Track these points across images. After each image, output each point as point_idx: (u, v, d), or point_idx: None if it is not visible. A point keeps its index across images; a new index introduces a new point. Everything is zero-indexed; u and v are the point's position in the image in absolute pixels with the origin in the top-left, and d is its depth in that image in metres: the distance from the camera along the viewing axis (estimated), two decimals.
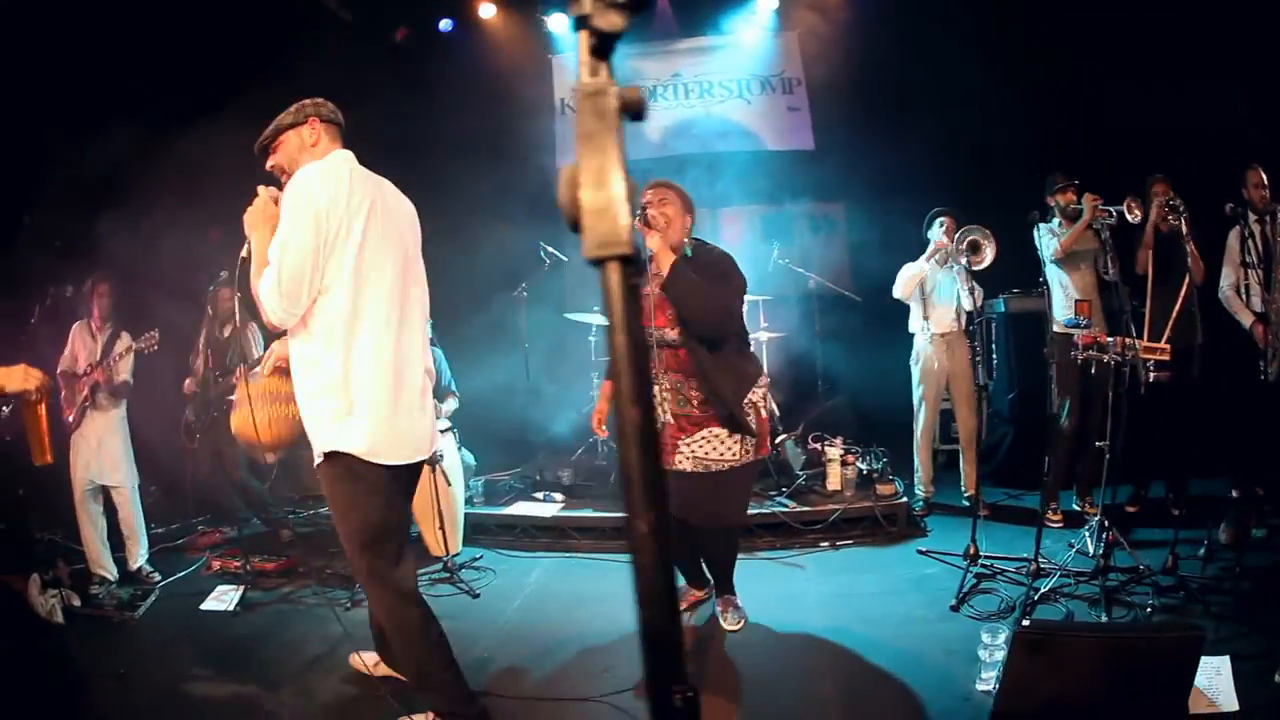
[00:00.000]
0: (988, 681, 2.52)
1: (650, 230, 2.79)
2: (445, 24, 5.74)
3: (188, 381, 4.59)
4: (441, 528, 3.95)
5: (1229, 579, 3.24)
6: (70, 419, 4.09)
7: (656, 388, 2.91)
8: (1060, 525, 4.13)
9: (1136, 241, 3.97)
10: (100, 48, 4.67)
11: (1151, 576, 3.22)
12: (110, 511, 4.21)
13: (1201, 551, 3.44)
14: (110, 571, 4.10)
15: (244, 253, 2.37)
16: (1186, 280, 3.77)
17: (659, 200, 2.88)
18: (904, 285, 4.38)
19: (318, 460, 2.34)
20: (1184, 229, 3.74)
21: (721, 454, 2.92)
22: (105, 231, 4.72)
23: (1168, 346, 3.44)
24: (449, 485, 3.97)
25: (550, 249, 4.79)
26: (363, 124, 5.24)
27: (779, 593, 3.56)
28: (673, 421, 2.95)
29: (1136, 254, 3.97)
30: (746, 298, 3.11)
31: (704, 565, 3.35)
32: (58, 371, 4.13)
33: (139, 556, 4.21)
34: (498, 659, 3.09)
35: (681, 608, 3.27)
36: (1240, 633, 2.76)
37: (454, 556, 4.04)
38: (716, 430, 2.91)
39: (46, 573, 3.76)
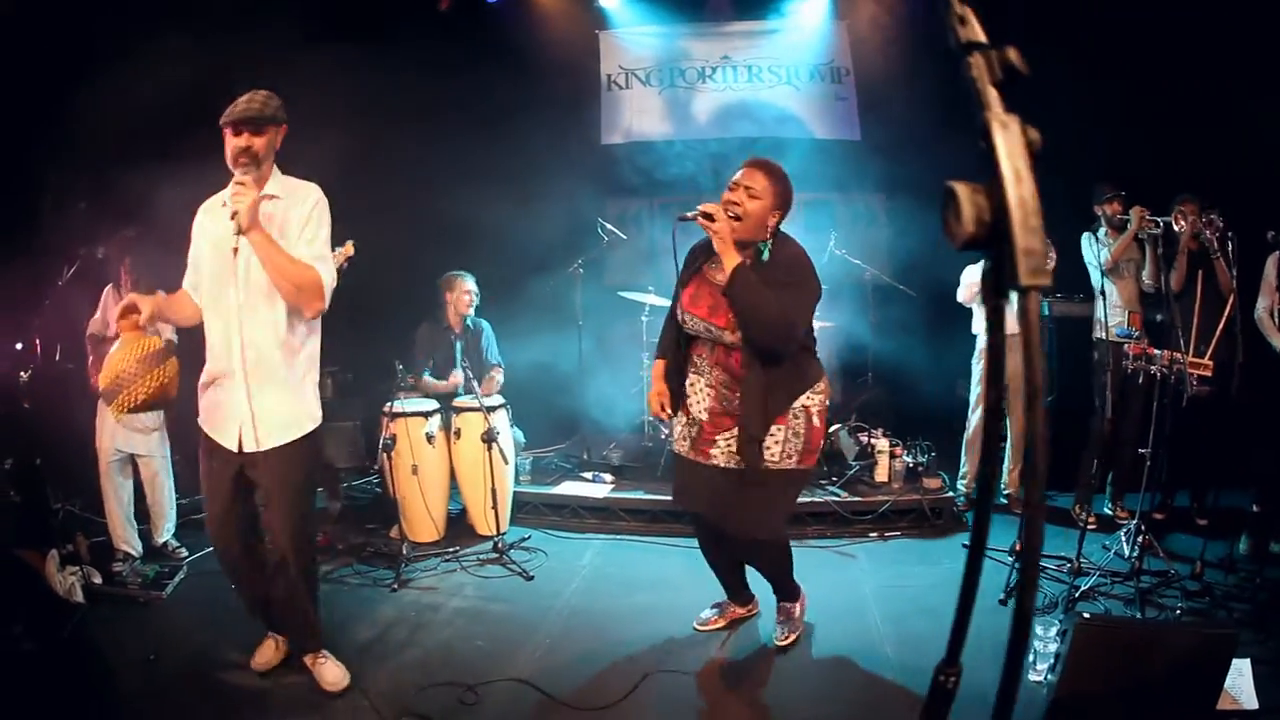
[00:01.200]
0: (1040, 672, 2.65)
1: (712, 227, 2.48)
2: None
3: None
4: (494, 507, 3.89)
5: (1249, 588, 3.37)
6: (98, 386, 3.92)
7: (699, 380, 2.72)
8: (1094, 528, 4.19)
9: (1170, 259, 4.02)
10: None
11: (1180, 581, 3.37)
12: (135, 483, 4.03)
13: (1224, 561, 3.59)
14: (135, 547, 3.92)
15: (235, 245, 2.41)
16: (1231, 298, 3.86)
17: (743, 187, 2.53)
18: (967, 290, 4.43)
19: (294, 437, 2.57)
20: (1215, 246, 3.83)
21: (733, 450, 2.65)
22: (134, 191, 4.56)
23: (1211, 363, 3.65)
24: (505, 463, 3.91)
25: (610, 227, 4.71)
26: (404, 95, 5.19)
27: (836, 581, 3.60)
28: (707, 419, 2.70)
29: (1169, 273, 4.02)
30: None
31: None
32: (87, 334, 3.98)
33: (165, 531, 4.04)
34: (562, 647, 3.03)
35: (719, 625, 3.12)
36: (1259, 639, 2.88)
37: (503, 535, 3.99)
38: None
39: (64, 547, 3.56)
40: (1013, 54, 0.84)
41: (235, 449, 2.52)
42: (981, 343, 4.50)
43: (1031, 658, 2.67)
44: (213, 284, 2.54)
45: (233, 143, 2.42)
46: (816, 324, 4.85)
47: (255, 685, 2.80)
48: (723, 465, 2.69)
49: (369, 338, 4.71)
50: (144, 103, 4.59)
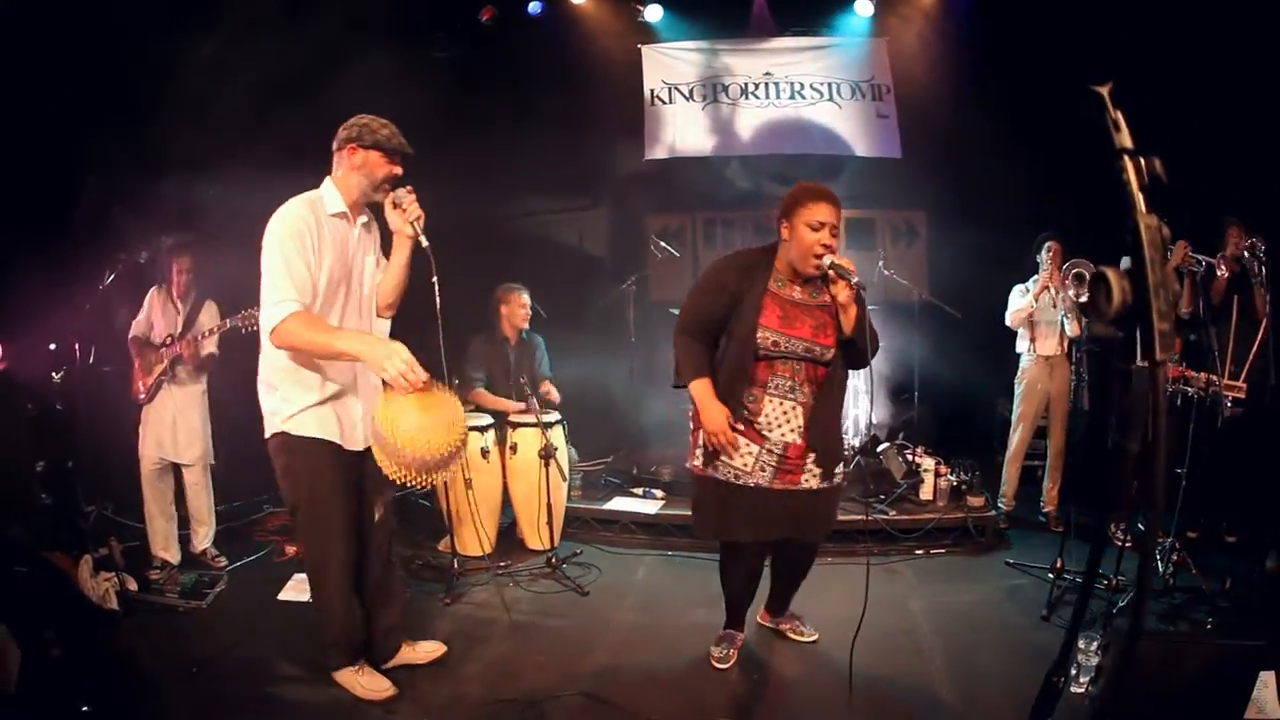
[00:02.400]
0: (1082, 685, 2.73)
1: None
2: (534, 6, 5.63)
3: None
4: (549, 522, 3.91)
5: (1276, 604, 3.44)
6: (142, 391, 3.90)
7: (784, 401, 2.70)
8: (1130, 546, 4.23)
9: (1203, 288, 4.06)
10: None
11: (1210, 597, 3.43)
12: (176, 490, 4.01)
13: (1253, 577, 3.65)
14: (174, 555, 3.91)
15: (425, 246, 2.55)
16: (1265, 321, 3.92)
17: (830, 227, 2.62)
18: (1014, 315, 4.49)
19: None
20: (1257, 270, 3.88)
21: (820, 471, 2.76)
22: (183, 196, 4.57)
23: (1245, 384, 3.74)
24: (563, 480, 3.93)
25: (664, 244, 4.74)
26: (448, 110, 5.19)
27: (886, 598, 3.61)
28: (798, 440, 2.70)
29: (1208, 295, 4.07)
30: None
31: (773, 589, 3.23)
32: (129, 337, 3.97)
33: (205, 538, 4.02)
34: (624, 662, 3.05)
35: (732, 657, 3.03)
36: None
37: (555, 551, 4.01)
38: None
39: (96, 551, 3.52)
40: (1158, 164, 1.02)
41: (360, 448, 2.63)
42: (1025, 362, 4.55)
43: (1074, 671, 2.74)
44: (333, 294, 2.57)
45: (388, 169, 2.57)
46: None
47: (306, 699, 2.76)
48: (815, 486, 2.74)
49: (416, 348, 4.72)
50: (188, 108, 4.62)
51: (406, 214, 2.53)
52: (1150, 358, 1.00)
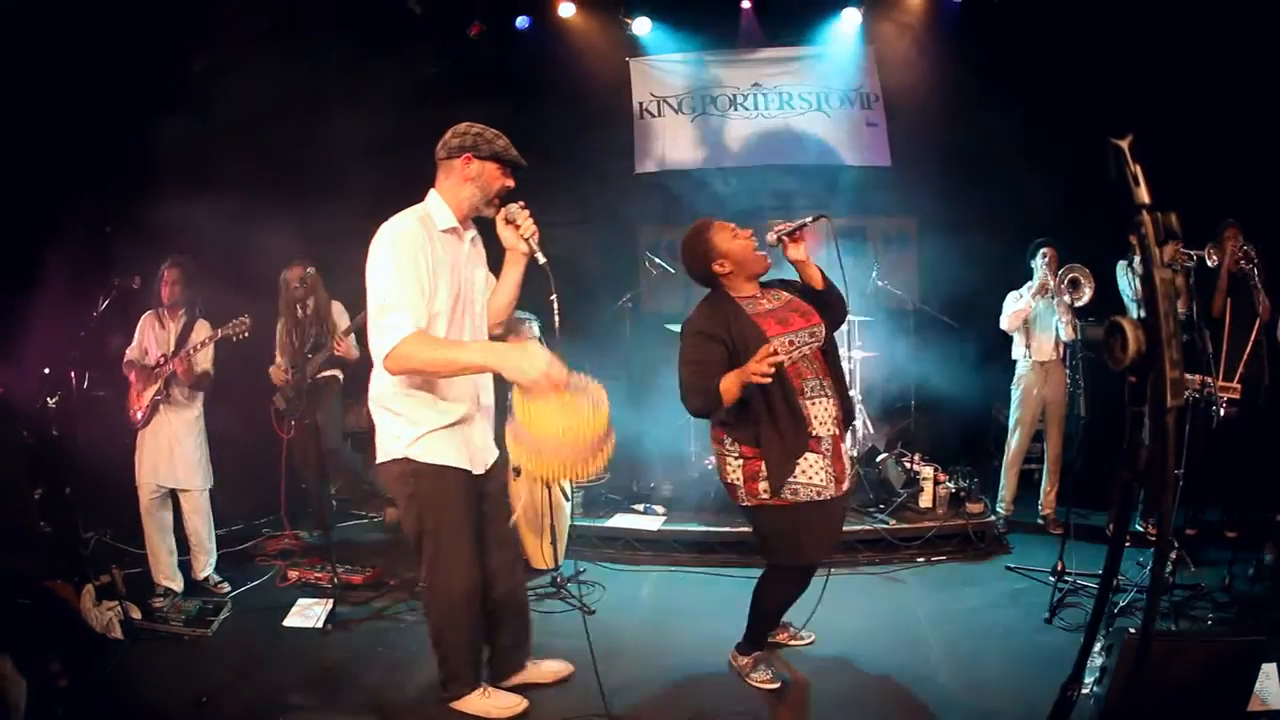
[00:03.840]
0: (1087, 685, 2.68)
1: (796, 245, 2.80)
2: (522, 21, 5.63)
3: (275, 368, 4.42)
4: (553, 541, 3.91)
5: (1275, 597, 3.51)
6: (137, 415, 3.87)
7: (819, 399, 2.65)
8: (1128, 544, 4.27)
9: (1211, 286, 4.14)
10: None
11: (1209, 593, 3.50)
12: (175, 516, 3.98)
13: (1251, 572, 3.71)
14: (177, 582, 3.89)
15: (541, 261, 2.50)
16: (1258, 322, 4.00)
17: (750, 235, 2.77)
18: (1009, 319, 4.51)
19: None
20: (1255, 272, 3.96)
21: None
22: (170, 218, 4.53)
23: (1239, 386, 3.84)
24: (566, 500, 3.93)
25: (658, 260, 4.75)
26: (434, 123, 5.16)
27: (890, 607, 3.68)
28: (837, 432, 2.69)
29: (1214, 298, 4.15)
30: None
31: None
32: (124, 362, 3.95)
33: (207, 565, 3.99)
34: (639, 680, 3.03)
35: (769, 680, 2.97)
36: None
37: (559, 569, 4.00)
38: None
39: (97, 579, 3.49)
40: (1174, 218, 1.08)
41: (483, 471, 2.61)
42: (1021, 368, 4.59)
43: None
44: (449, 313, 2.45)
45: (503, 182, 2.49)
46: (860, 353, 4.98)
47: None
48: (849, 488, 2.80)
49: None
50: (185, 131, 4.59)
51: (521, 230, 2.44)
52: (1161, 405, 1.07)
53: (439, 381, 2.43)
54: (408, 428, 2.44)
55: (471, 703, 2.67)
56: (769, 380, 2.39)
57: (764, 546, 2.83)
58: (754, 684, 2.93)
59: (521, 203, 2.44)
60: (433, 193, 2.49)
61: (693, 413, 2.73)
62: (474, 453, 2.56)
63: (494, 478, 2.70)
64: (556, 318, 2.37)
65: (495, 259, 2.68)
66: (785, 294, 2.80)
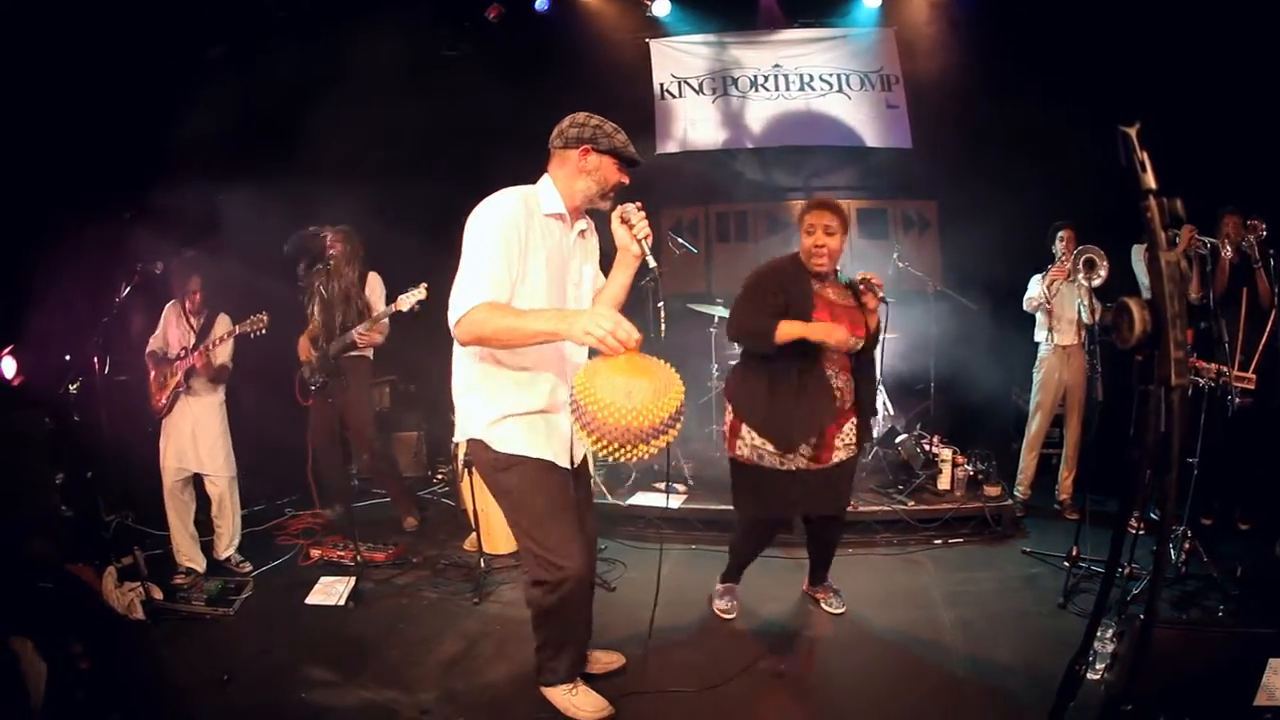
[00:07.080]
0: (1098, 671, 2.78)
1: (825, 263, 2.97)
2: (541, 3, 5.62)
3: (304, 338, 4.44)
4: None
5: None
6: (161, 403, 3.94)
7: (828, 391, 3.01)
8: (1143, 533, 4.28)
9: (1211, 275, 4.08)
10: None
11: (1221, 584, 3.49)
12: (199, 498, 4.03)
13: (1264, 562, 3.71)
14: (199, 563, 3.94)
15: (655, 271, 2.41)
16: (1273, 313, 3.97)
17: (822, 228, 2.93)
18: (1027, 300, 4.53)
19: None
20: (1257, 255, 3.94)
21: (850, 442, 3.13)
22: (190, 204, 4.57)
23: (1254, 375, 3.79)
24: (590, 477, 3.95)
25: (681, 240, 4.75)
26: (453, 105, 5.17)
27: (907, 587, 3.72)
28: (834, 426, 3.07)
29: (1214, 285, 4.08)
30: None
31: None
32: (147, 352, 4.01)
33: (229, 546, 4.04)
34: (663, 656, 3.05)
35: (735, 609, 3.43)
36: None
37: None
38: (854, 419, 3.12)
39: (119, 561, 3.54)
40: (1179, 204, 1.11)
41: (571, 465, 2.52)
42: (1042, 352, 4.58)
43: (1091, 658, 2.76)
44: (548, 301, 2.37)
45: (619, 178, 2.44)
46: (881, 335, 4.99)
47: (340, 704, 2.75)
48: (842, 459, 3.09)
49: (433, 348, 4.73)
50: (204, 117, 4.61)
51: (635, 231, 2.30)
52: (1166, 383, 1.10)
53: (523, 363, 2.36)
54: (487, 406, 2.38)
55: (557, 694, 2.64)
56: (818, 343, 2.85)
57: (732, 495, 3.24)
58: (714, 610, 3.43)
59: (639, 203, 2.33)
60: (546, 178, 2.42)
61: (733, 339, 3.16)
62: (558, 445, 2.44)
63: (582, 471, 2.67)
64: (663, 325, 2.36)
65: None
66: (853, 300, 3.04)
